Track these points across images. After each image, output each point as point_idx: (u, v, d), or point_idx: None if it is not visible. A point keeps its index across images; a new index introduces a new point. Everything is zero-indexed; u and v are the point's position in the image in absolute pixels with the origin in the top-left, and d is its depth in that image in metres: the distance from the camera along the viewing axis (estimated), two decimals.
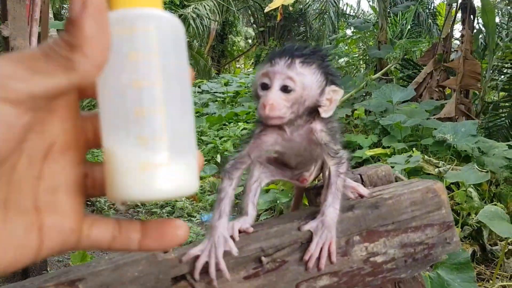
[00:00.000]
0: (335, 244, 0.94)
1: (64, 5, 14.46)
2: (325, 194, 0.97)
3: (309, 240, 0.96)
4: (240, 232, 0.96)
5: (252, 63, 15.73)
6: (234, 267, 0.93)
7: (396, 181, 1.18)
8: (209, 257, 0.90)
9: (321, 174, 1.07)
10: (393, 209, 0.99)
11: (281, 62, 0.92)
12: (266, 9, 7.07)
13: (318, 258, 0.94)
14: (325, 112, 0.95)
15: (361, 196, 1.03)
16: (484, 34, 7.81)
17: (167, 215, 5.07)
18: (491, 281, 3.95)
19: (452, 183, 4.80)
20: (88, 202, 5.13)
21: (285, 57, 0.93)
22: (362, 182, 1.12)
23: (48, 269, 3.44)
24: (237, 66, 16.94)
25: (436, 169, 4.82)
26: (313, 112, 0.96)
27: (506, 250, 4.09)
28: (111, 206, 5.12)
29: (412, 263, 0.99)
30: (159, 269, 0.89)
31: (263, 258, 0.93)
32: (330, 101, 0.96)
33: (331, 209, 0.94)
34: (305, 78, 0.93)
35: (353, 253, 0.98)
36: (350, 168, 1.05)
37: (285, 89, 0.92)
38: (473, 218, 4.64)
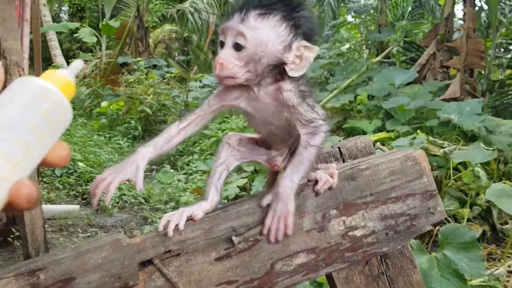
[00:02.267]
0: (292, 217, 0.87)
1: (63, 8, 14.48)
2: (287, 165, 0.91)
3: None
4: (189, 219, 0.90)
5: None
6: (204, 249, 0.88)
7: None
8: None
9: None
10: (371, 180, 0.94)
11: (235, 16, 0.85)
12: None
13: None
14: (293, 71, 0.86)
15: (329, 188, 0.93)
16: (487, 11, 7.65)
17: (171, 210, 5.04)
18: (502, 261, 3.87)
19: (460, 164, 4.72)
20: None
21: (241, 9, 0.85)
22: (341, 156, 1.06)
23: None
24: None
25: (442, 150, 4.73)
26: (282, 70, 0.87)
27: None
28: (115, 205, 5.11)
29: (394, 236, 0.94)
30: (124, 254, 0.85)
31: (234, 238, 0.88)
32: (300, 59, 0.86)
33: (287, 180, 0.86)
34: (260, 32, 0.84)
35: (330, 227, 0.93)
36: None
37: (237, 46, 0.85)
38: (481, 198, 4.56)
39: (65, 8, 15.47)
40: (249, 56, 0.85)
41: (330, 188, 0.92)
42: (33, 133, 0.50)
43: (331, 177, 0.92)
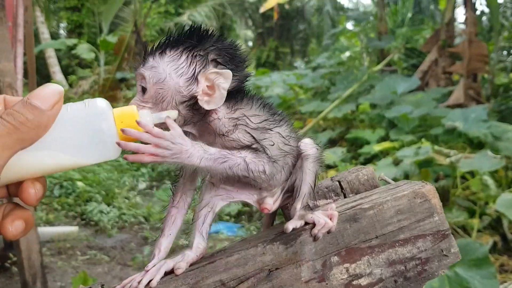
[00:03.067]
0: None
1: (61, 23, 14.51)
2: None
3: (278, 266, 0.81)
4: (168, 273, 0.80)
5: (254, 65, 15.61)
6: None
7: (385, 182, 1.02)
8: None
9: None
10: (376, 220, 0.83)
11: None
12: (261, 9, 6.94)
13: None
14: (207, 103, 0.77)
15: (328, 231, 0.82)
16: (488, 15, 7.58)
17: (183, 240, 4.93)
18: None
19: (467, 172, 4.61)
20: (92, 222, 5.02)
21: (145, 53, 0.80)
22: (342, 190, 0.96)
23: None
24: None
25: (448, 159, 4.62)
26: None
27: None
28: (114, 225, 5.00)
29: (404, 283, 0.83)
30: None
31: None
32: (212, 88, 0.77)
33: (199, 148, 0.74)
34: (157, 70, 0.77)
35: (332, 277, 0.82)
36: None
37: (143, 90, 0.78)
38: (491, 207, 4.44)
39: (63, 24, 15.53)
40: (152, 97, 0.78)
41: (329, 232, 0.81)
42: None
43: (330, 219, 0.81)
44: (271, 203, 0.88)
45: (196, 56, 0.78)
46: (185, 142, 0.74)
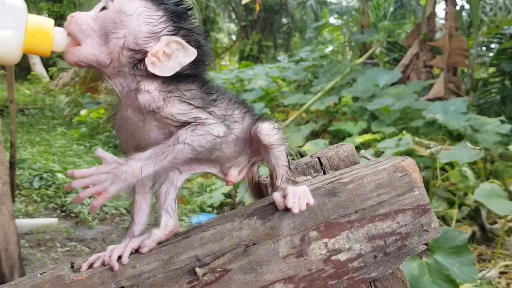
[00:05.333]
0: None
1: (42, 14, 14.18)
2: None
3: (255, 241, 0.79)
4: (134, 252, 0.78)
5: (237, 59, 15.54)
6: (163, 283, 0.75)
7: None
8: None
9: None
10: (355, 195, 0.82)
11: None
12: (243, 1, 6.89)
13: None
14: (154, 67, 0.73)
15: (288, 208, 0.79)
16: (468, 10, 7.68)
17: (153, 221, 4.88)
18: (493, 261, 3.82)
19: (446, 164, 4.67)
20: (72, 214, 4.93)
21: None
22: (322, 167, 0.94)
23: None
24: (222, 63, 16.72)
25: (428, 150, 4.68)
26: (145, 68, 0.74)
27: (506, 228, 3.96)
28: (96, 216, 4.93)
29: (383, 259, 0.82)
30: None
31: (198, 269, 0.75)
32: (167, 56, 0.74)
33: (132, 161, 0.71)
34: (129, 2, 0.73)
35: (310, 252, 0.80)
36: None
37: (102, 9, 0.74)
38: (470, 198, 4.52)
39: (44, 15, 15.17)
40: (106, 21, 0.73)
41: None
42: None
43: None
44: (235, 174, 0.85)
45: (171, 20, 0.75)
46: (116, 164, 0.71)
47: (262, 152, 0.85)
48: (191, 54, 0.74)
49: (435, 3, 7.19)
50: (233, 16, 15.64)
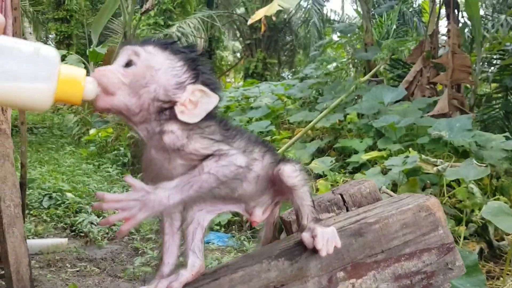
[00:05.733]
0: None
1: (50, 35, 14.42)
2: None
3: (284, 283, 0.81)
4: None
5: (242, 76, 15.65)
6: None
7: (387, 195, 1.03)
8: None
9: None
10: (381, 235, 0.84)
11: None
12: (249, 21, 6.96)
13: None
14: (183, 114, 0.77)
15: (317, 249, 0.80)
16: (470, 27, 7.75)
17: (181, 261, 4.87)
18: (501, 279, 3.79)
19: (452, 181, 4.67)
20: (81, 233, 4.93)
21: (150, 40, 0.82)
22: (344, 203, 0.97)
23: None
24: (227, 80, 16.84)
25: (435, 168, 4.68)
26: (172, 114, 0.79)
27: None
28: (105, 236, 4.93)
29: None
30: None
31: None
32: (194, 104, 0.78)
33: (159, 190, 0.74)
34: (155, 57, 0.78)
35: None
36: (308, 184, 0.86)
37: (128, 64, 0.78)
38: (477, 215, 4.51)
39: (52, 35, 15.36)
40: (136, 76, 0.77)
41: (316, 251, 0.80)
42: None
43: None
44: (260, 213, 0.88)
45: (190, 68, 0.80)
46: (145, 192, 0.74)
47: (286, 192, 0.87)
48: (214, 100, 0.78)
49: (438, 20, 7.27)
50: (238, 34, 15.80)
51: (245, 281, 0.79)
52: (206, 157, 0.77)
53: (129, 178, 0.75)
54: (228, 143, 0.79)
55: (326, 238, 0.78)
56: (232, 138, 0.82)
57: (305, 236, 0.81)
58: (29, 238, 4.72)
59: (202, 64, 0.81)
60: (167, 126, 0.78)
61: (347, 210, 0.97)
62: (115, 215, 0.74)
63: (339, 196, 0.98)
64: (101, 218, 5.18)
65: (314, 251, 0.81)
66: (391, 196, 0.98)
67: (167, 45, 0.81)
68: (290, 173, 0.84)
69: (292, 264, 0.82)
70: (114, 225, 5.18)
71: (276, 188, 0.88)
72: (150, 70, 0.76)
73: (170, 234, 0.86)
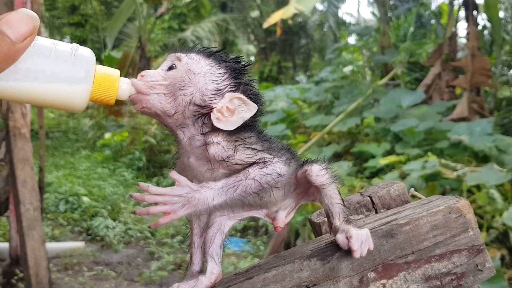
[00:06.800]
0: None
1: (65, 39, 14.64)
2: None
3: (315, 282, 0.81)
4: None
5: (256, 80, 15.61)
6: None
7: (413, 197, 1.02)
8: None
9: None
10: (412, 236, 0.84)
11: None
12: (265, 25, 6.99)
13: None
14: (219, 122, 0.77)
15: (352, 251, 0.79)
16: (489, 29, 7.65)
17: (178, 244, 4.90)
18: None
19: (473, 186, 4.61)
20: (97, 237, 5.00)
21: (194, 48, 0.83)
22: (373, 205, 0.97)
23: None
24: None
25: (455, 173, 4.62)
26: (209, 121, 0.79)
27: None
28: (120, 240, 4.98)
29: None
30: None
31: None
32: (231, 111, 0.78)
33: (205, 189, 0.74)
34: (196, 62, 0.79)
35: None
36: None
37: (170, 68, 0.80)
38: (498, 221, 4.43)
39: (67, 40, 15.68)
40: (175, 79, 0.78)
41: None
42: None
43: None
44: (283, 217, 0.88)
45: (232, 77, 0.80)
46: (190, 189, 0.75)
47: (314, 193, 0.87)
48: (252, 109, 0.79)
49: (456, 23, 7.19)
50: (252, 38, 15.87)
51: (278, 280, 0.80)
52: (250, 165, 0.78)
53: (174, 174, 0.76)
54: (270, 153, 0.81)
55: (360, 240, 0.78)
56: (270, 147, 0.83)
57: (340, 238, 0.81)
58: (47, 242, 4.80)
59: (245, 75, 0.82)
60: (212, 137, 0.79)
61: (376, 212, 0.97)
62: (157, 206, 0.74)
63: (368, 198, 0.97)
64: (116, 221, 5.25)
65: (346, 251, 0.81)
66: (420, 198, 0.98)
67: (211, 53, 0.82)
68: (318, 172, 0.84)
69: (324, 264, 0.82)
70: (130, 228, 5.24)
71: (299, 191, 0.88)
72: (189, 73, 0.77)
73: (199, 235, 0.87)
